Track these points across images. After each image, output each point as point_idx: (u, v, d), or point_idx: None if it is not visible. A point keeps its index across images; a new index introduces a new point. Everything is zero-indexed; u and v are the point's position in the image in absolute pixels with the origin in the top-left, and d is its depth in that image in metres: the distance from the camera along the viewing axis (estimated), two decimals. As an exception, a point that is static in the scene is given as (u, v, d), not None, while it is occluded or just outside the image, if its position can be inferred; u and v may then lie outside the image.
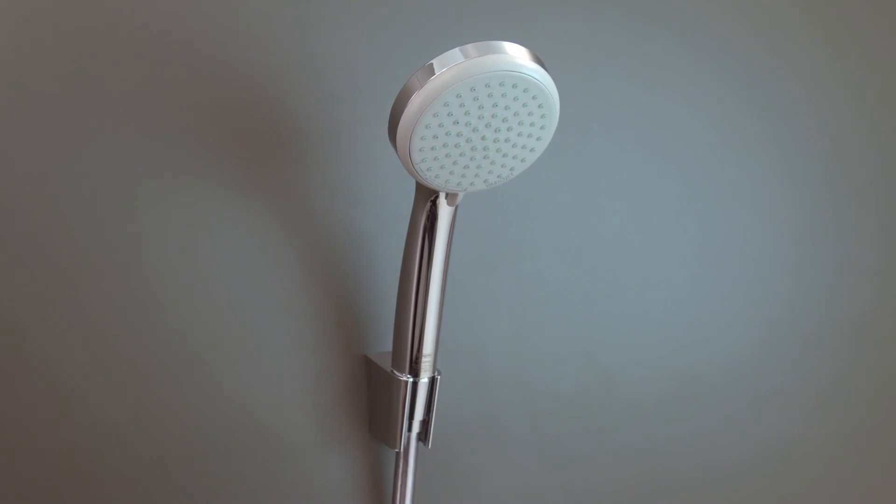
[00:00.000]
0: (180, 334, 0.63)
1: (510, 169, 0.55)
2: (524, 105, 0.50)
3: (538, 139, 0.53)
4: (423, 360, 0.64)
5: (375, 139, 0.68)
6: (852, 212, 0.90)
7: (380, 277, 0.69)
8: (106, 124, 0.60)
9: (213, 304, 0.64)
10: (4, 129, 0.58)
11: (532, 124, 0.52)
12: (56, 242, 0.60)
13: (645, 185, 0.80)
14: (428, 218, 0.59)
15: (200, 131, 0.63)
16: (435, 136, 0.50)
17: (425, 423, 0.67)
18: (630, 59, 0.78)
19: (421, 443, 0.68)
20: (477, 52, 0.48)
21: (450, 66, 0.48)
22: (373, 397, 0.69)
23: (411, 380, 0.65)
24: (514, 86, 0.49)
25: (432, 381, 0.66)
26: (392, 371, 0.65)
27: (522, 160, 0.54)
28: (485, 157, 0.53)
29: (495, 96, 0.49)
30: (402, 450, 0.67)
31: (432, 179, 0.54)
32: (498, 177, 0.55)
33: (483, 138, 0.51)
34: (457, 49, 0.48)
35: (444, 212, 0.58)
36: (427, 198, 0.58)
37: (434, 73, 0.48)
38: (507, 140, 0.52)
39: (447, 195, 0.57)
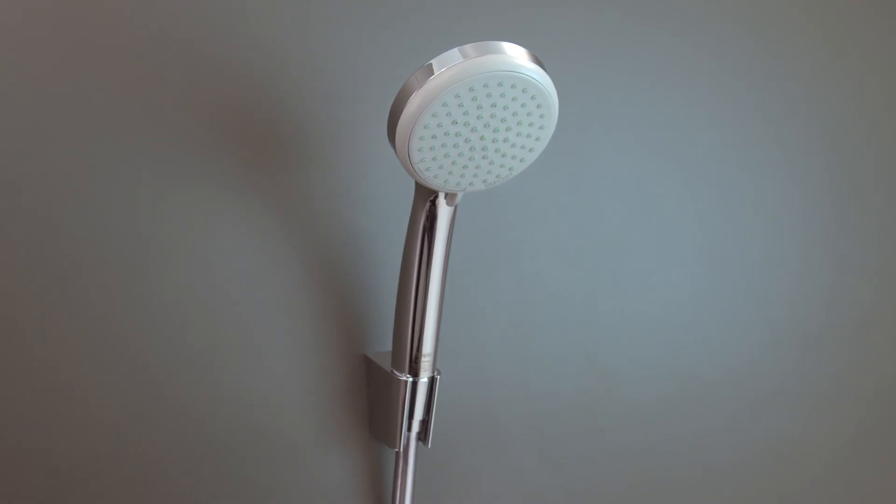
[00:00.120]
0: (180, 334, 0.64)
1: (509, 169, 0.55)
2: (523, 105, 0.51)
3: (537, 139, 0.53)
4: (423, 359, 0.64)
5: (375, 139, 0.68)
6: (852, 211, 0.90)
7: (379, 277, 0.69)
8: (106, 124, 0.61)
9: (213, 304, 0.64)
10: (4, 129, 0.58)
11: (531, 124, 0.52)
12: (56, 242, 0.60)
13: (645, 185, 0.80)
14: (427, 218, 0.59)
15: (200, 131, 0.63)
16: (434, 137, 0.51)
17: (425, 423, 0.67)
18: (630, 59, 0.78)
19: (421, 442, 0.68)
20: (476, 53, 0.48)
21: (448, 66, 0.48)
22: (372, 397, 0.69)
23: (411, 379, 0.65)
24: (512, 86, 0.49)
25: (432, 381, 0.66)
26: (392, 371, 0.65)
27: (521, 160, 0.54)
28: (483, 158, 0.53)
29: (494, 96, 0.49)
30: (401, 449, 0.67)
31: (431, 179, 0.54)
32: (497, 177, 0.55)
33: (482, 138, 0.51)
34: (456, 49, 0.48)
35: (444, 212, 0.59)
36: (426, 198, 0.58)
37: (433, 74, 0.48)
38: (505, 140, 0.52)
39: (446, 195, 0.57)
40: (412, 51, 0.69)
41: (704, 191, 0.83)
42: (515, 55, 0.49)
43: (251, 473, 0.67)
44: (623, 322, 0.80)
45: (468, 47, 0.48)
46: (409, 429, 0.67)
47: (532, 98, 0.50)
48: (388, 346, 0.70)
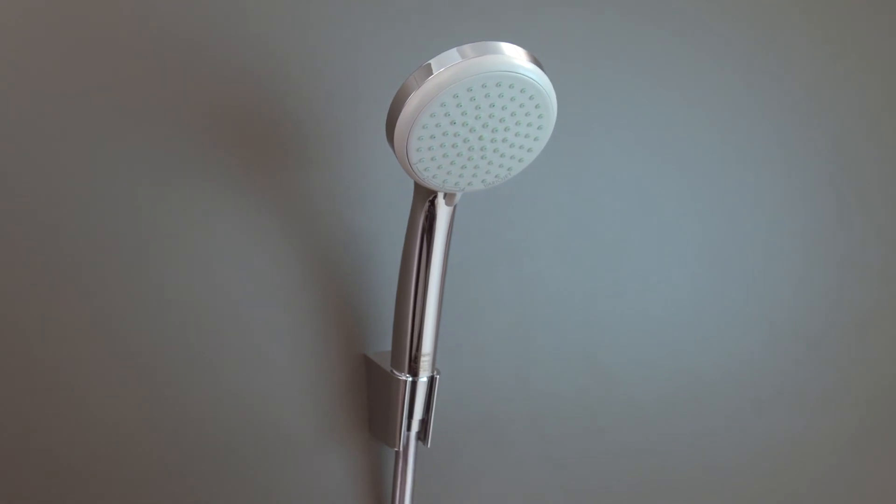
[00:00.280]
0: (180, 334, 0.64)
1: (508, 169, 0.55)
2: (521, 105, 0.51)
3: (535, 139, 0.53)
4: (423, 359, 0.64)
5: (375, 139, 0.68)
6: (853, 211, 0.90)
7: (379, 277, 0.69)
8: (106, 124, 0.61)
9: (213, 304, 0.64)
10: (5, 130, 0.58)
11: (529, 125, 0.52)
12: (56, 242, 0.60)
13: (645, 185, 0.80)
14: (426, 218, 0.59)
15: (200, 131, 0.63)
16: (432, 137, 0.51)
17: (424, 423, 0.67)
18: (630, 59, 0.78)
19: (420, 442, 0.68)
20: (474, 53, 0.48)
21: (447, 66, 0.48)
22: (372, 396, 0.69)
23: (410, 379, 0.65)
24: (510, 86, 0.49)
25: (431, 381, 0.66)
26: (391, 370, 0.65)
27: (520, 160, 0.54)
28: (482, 158, 0.53)
29: (492, 97, 0.49)
30: (401, 449, 0.67)
31: (430, 179, 0.54)
32: (496, 177, 0.55)
33: (480, 139, 0.51)
34: (454, 49, 0.49)
35: (443, 211, 0.59)
36: (425, 198, 0.58)
37: (431, 74, 0.48)
38: (504, 140, 0.52)
39: (445, 195, 0.58)
40: (412, 51, 0.69)
41: (704, 191, 0.83)
42: (514, 55, 0.49)
43: (251, 473, 0.67)
44: (623, 322, 0.80)
45: (467, 47, 0.48)
46: (409, 428, 0.67)
47: (530, 98, 0.50)
48: (388, 346, 0.70)
